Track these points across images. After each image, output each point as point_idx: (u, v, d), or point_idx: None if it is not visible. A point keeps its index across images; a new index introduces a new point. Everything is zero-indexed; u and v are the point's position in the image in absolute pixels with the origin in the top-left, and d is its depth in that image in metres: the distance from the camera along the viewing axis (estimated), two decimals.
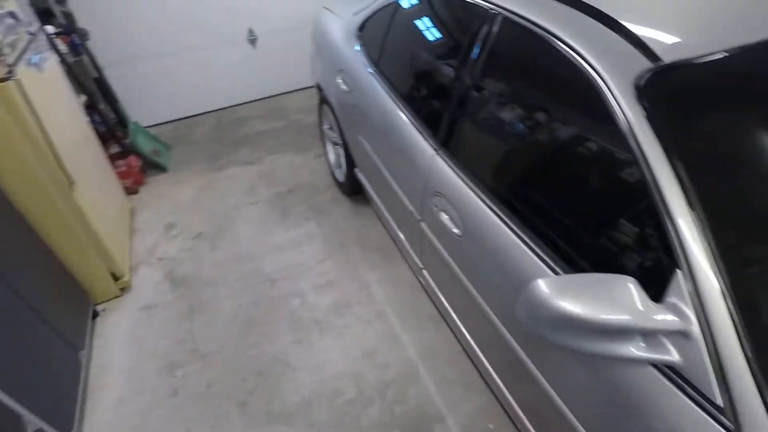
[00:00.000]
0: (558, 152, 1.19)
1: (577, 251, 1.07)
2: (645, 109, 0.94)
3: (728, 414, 0.77)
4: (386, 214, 2.23)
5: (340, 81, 2.33)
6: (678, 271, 0.85)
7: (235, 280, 2.45)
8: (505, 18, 1.34)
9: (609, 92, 1.00)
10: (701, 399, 0.81)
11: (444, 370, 1.95)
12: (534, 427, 1.33)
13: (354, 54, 2.23)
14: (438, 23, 1.77)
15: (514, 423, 1.50)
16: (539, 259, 1.14)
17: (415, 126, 1.71)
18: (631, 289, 0.85)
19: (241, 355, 2.08)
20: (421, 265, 1.90)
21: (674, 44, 1.00)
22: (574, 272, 1.06)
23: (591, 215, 1.08)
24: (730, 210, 0.89)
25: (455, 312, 1.69)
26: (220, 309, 2.30)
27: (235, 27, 3.82)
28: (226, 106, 4.16)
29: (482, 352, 1.55)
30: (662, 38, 1.02)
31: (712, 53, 0.97)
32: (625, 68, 1.00)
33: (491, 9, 1.40)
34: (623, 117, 0.96)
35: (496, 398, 1.45)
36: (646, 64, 0.98)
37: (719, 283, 0.80)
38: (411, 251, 1.98)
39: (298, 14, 3.86)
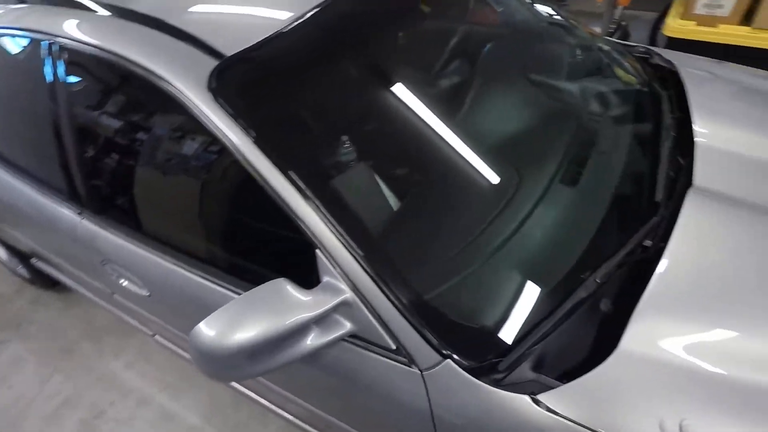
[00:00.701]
0: (183, 180, 1.10)
1: (245, 267, 1.03)
2: (225, 109, 0.91)
3: (402, 352, 0.86)
4: (89, 295, 1.86)
5: None
6: (317, 251, 0.87)
7: None
8: (62, 47, 1.15)
9: (191, 103, 0.94)
10: (382, 349, 0.88)
11: (234, 417, 1.79)
12: None
13: None
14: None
15: None
16: (225, 288, 1.06)
17: (48, 196, 1.39)
18: (286, 288, 0.84)
19: None
20: (150, 332, 1.65)
21: (235, 36, 1.00)
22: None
23: (236, 230, 1.05)
24: (337, 185, 0.95)
25: None
26: None
27: None
28: None
29: (247, 388, 1.45)
30: (224, 33, 1.00)
31: (270, 35, 0.99)
32: (196, 74, 0.95)
33: (45, 39, 1.19)
34: (213, 124, 0.92)
35: (289, 421, 1.42)
36: (213, 63, 0.95)
37: (351, 251, 0.85)
38: (134, 323, 1.70)
39: None
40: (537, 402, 0.78)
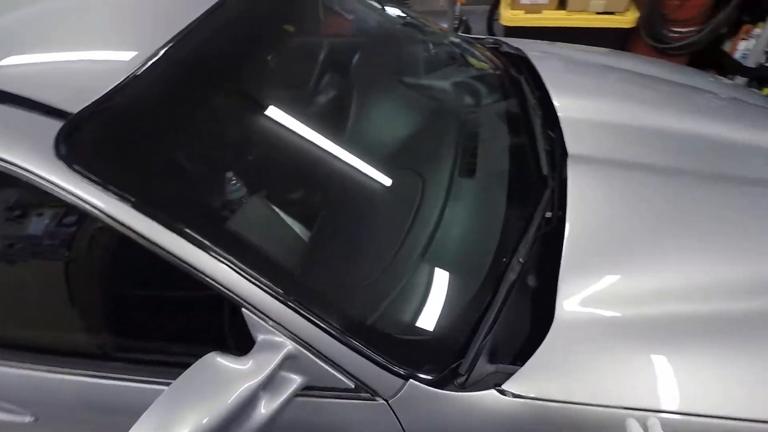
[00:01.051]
0: (53, 271, 0.93)
1: (160, 351, 0.90)
2: (87, 176, 0.76)
3: (363, 388, 0.81)
4: None
5: None
6: (243, 310, 0.78)
7: None
8: None
9: (39, 179, 0.77)
10: (341, 392, 0.82)
11: None
12: None
13: None
14: None
15: None
16: (144, 383, 0.91)
17: None
18: (218, 361, 0.74)
19: None
20: None
21: (77, 88, 0.86)
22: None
23: (138, 311, 0.91)
24: (241, 230, 0.87)
25: None
26: None
27: None
28: None
29: None
30: (61, 86, 0.86)
31: (121, 81, 0.87)
32: (37, 141, 0.78)
33: None
34: (74, 197, 0.76)
35: None
36: (56, 125, 0.80)
37: (280, 299, 0.78)
38: None
39: None
40: (503, 392, 0.80)
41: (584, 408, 0.78)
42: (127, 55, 0.94)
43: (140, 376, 0.90)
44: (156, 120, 0.92)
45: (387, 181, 1.08)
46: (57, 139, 0.78)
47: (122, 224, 0.76)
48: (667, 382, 0.80)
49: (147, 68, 0.91)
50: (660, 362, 0.82)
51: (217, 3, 1.11)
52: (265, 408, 0.77)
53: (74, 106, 0.82)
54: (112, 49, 0.99)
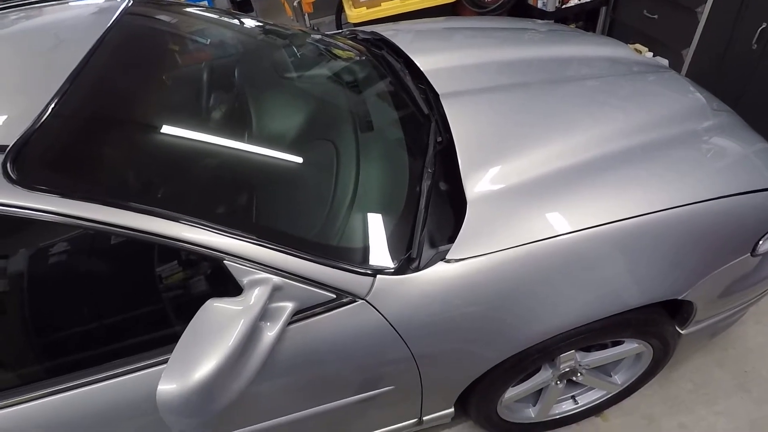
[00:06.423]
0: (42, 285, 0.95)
1: (158, 330, 0.97)
2: (52, 191, 0.83)
3: (342, 295, 0.98)
4: None
5: None
6: (224, 263, 0.91)
7: None
8: None
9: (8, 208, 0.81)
10: (325, 305, 0.98)
11: None
12: None
13: None
14: None
15: None
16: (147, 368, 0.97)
17: None
18: (217, 305, 0.86)
19: None
20: None
21: (3, 123, 0.91)
22: None
23: (138, 298, 0.98)
24: (203, 198, 1.00)
25: None
26: None
27: None
28: None
29: None
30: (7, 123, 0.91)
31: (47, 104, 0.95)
32: None
33: None
34: (44, 213, 0.82)
35: None
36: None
37: (253, 242, 0.92)
38: None
39: None
40: (448, 261, 1.02)
41: (508, 251, 1.03)
42: (34, 93, 1.00)
43: (153, 358, 0.96)
44: (85, 130, 1.00)
45: (312, 150, 1.30)
46: (3, 165, 0.83)
47: (98, 223, 0.84)
48: (556, 214, 1.09)
49: (61, 97, 0.98)
50: (548, 204, 1.11)
51: (96, 42, 1.19)
52: (268, 333, 0.90)
53: (5, 138, 0.87)
54: (15, 93, 1.04)
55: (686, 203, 1.12)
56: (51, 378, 0.96)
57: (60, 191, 0.84)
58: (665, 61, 2.67)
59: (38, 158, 0.87)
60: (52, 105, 0.95)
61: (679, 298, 1.20)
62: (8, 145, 0.86)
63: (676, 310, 1.34)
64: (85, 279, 0.95)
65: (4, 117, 0.93)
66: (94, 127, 1.01)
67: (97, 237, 0.88)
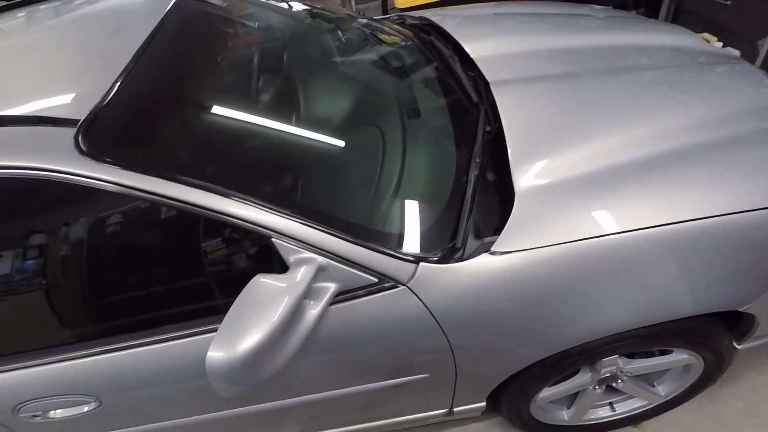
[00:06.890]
0: (108, 250, 1.02)
1: (207, 300, 1.02)
2: (124, 164, 0.88)
3: (385, 279, 0.99)
4: None
5: None
6: (273, 240, 0.93)
7: None
8: None
9: (72, 177, 0.87)
10: (367, 288, 0.99)
11: None
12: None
13: None
14: None
15: None
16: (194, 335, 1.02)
17: None
18: (265, 281, 0.88)
19: None
20: None
21: (74, 100, 0.97)
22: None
23: (191, 271, 1.03)
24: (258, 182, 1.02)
25: None
26: None
27: None
28: None
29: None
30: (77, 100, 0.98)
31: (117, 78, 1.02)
32: (60, 146, 0.89)
33: None
34: (112, 185, 0.88)
35: None
36: (65, 132, 0.90)
37: (302, 223, 0.94)
38: None
39: None
40: (493, 254, 1.00)
41: (555, 247, 1.01)
42: (101, 73, 1.06)
43: (202, 326, 1.01)
44: (146, 108, 1.06)
45: (359, 134, 1.30)
46: (75, 139, 0.88)
47: (156, 194, 0.88)
48: (607, 213, 1.05)
49: (125, 77, 1.03)
50: (600, 201, 1.07)
51: (156, 27, 1.23)
52: (311, 310, 0.92)
53: (77, 113, 0.92)
54: (84, 72, 1.11)
55: (753, 209, 1.04)
56: (107, 337, 1.03)
57: (123, 164, 0.88)
58: (737, 52, 2.50)
59: (105, 132, 0.93)
60: (118, 84, 1.00)
61: (740, 309, 1.13)
62: (80, 120, 0.91)
63: (735, 323, 1.26)
64: (145, 248, 1.01)
65: (76, 94, 0.99)
66: (153, 106, 1.06)
67: (157, 209, 0.92)
